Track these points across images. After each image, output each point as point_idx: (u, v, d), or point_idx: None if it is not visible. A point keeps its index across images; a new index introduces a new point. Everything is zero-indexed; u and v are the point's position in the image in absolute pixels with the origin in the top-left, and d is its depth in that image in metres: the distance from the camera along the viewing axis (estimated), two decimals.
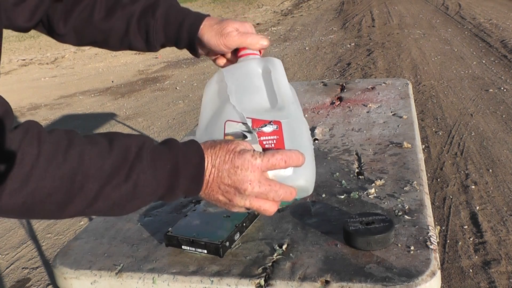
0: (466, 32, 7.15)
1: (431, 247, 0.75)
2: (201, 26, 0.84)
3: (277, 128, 0.75)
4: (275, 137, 0.75)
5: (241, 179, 0.67)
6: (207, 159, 0.67)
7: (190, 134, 1.43)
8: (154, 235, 0.88)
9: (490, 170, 3.04)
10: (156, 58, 7.78)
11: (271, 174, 0.70)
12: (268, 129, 0.75)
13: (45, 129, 0.59)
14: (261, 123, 0.76)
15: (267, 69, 0.81)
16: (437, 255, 0.74)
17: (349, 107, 1.51)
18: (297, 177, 0.72)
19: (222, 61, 0.88)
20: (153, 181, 0.63)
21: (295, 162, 0.69)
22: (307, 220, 0.88)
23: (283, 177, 0.70)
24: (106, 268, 0.80)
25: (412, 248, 0.76)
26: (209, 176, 0.67)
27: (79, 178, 0.58)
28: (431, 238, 0.78)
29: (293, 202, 0.81)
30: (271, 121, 0.76)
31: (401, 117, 1.36)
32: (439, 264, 0.73)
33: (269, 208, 0.69)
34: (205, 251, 0.79)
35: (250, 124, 0.75)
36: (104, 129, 4.59)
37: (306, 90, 1.76)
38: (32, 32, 0.90)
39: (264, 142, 0.73)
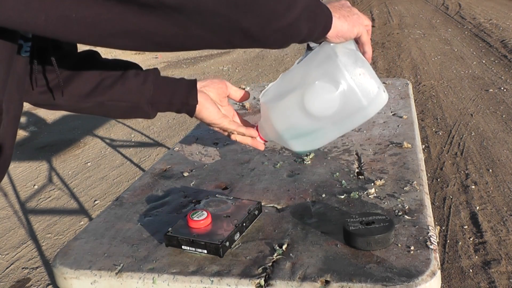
0: (466, 32, 7.15)
1: (431, 247, 0.76)
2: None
3: None
4: None
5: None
6: None
7: (191, 133, 1.43)
8: (154, 235, 0.88)
9: (490, 170, 3.04)
10: (156, 58, 7.78)
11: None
12: None
13: None
14: None
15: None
16: (437, 255, 0.74)
17: None
18: None
19: None
20: None
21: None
22: (307, 220, 0.88)
23: None
24: (106, 268, 0.80)
25: (412, 248, 0.76)
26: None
27: None
28: (431, 238, 0.78)
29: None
30: None
31: (401, 117, 1.36)
32: (439, 264, 0.73)
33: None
34: (205, 251, 0.79)
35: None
36: (104, 129, 4.59)
37: None
38: None
39: None
